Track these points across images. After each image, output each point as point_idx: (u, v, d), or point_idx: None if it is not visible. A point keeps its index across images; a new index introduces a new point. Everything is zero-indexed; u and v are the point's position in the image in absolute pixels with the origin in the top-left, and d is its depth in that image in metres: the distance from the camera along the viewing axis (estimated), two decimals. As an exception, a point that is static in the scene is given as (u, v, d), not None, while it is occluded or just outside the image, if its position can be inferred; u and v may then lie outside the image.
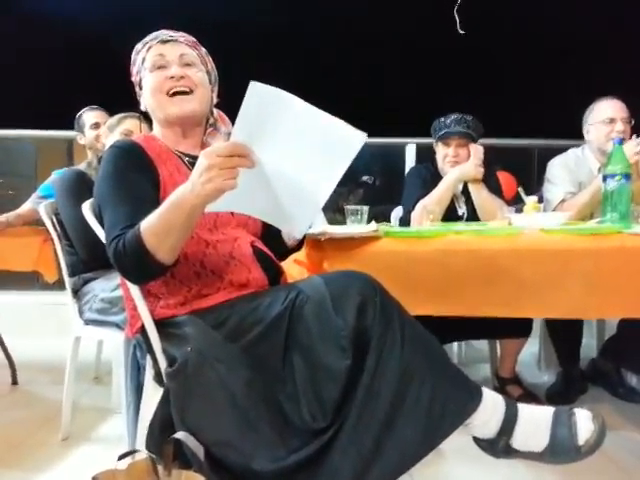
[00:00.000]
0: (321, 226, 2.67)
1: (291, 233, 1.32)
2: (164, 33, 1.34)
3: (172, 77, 1.28)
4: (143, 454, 0.99)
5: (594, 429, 1.07)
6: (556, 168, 2.32)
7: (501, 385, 2.23)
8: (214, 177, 0.96)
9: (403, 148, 3.63)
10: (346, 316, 1.06)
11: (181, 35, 1.35)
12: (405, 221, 2.32)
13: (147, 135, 1.37)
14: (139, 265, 1.09)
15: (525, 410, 1.11)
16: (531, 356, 2.71)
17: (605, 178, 1.79)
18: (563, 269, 1.50)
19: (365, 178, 3.75)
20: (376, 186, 4.47)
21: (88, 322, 1.92)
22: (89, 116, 2.51)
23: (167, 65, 1.30)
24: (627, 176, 1.76)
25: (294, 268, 1.64)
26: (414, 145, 3.58)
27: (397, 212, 2.63)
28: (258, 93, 0.93)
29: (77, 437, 1.96)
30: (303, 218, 1.15)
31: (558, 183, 2.27)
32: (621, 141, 1.85)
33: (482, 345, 2.74)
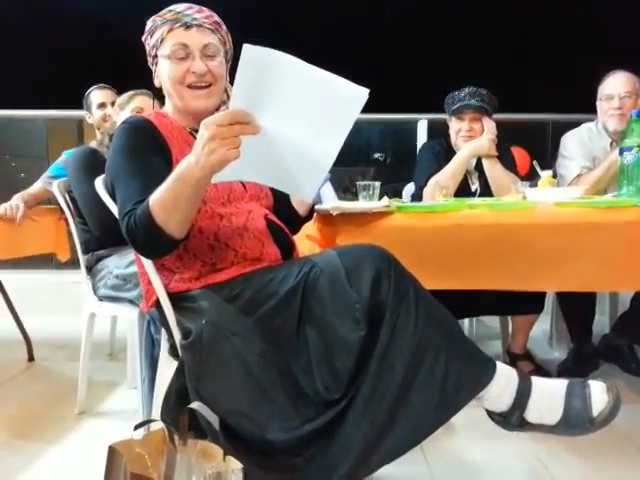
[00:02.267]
0: (333, 202, 2.66)
1: (301, 198, 1.29)
2: (187, 14, 1.26)
3: (194, 72, 1.25)
4: (159, 424, 1.01)
5: (608, 400, 1.06)
6: (570, 143, 2.29)
7: (512, 361, 2.23)
8: (216, 148, 0.95)
9: (415, 124, 3.59)
10: (360, 289, 1.05)
11: (205, 16, 1.28)
12: (417, 197, 2.30)
13: (158, 112, 1.36)
14: (150, 240, 1.09)
15: (538, 383, 1.11)
16: (542, 333, 2.71)
17: (622, 151, 1.75)
18: (577, 243, 1.49)
19: (377, 155, 3.72)
20: (388, 163, 4.43)
21: (102, 299, 1.94)
22: (96, 95, 2.49)
23: (189, 56, 1.25)
24: (645, 149, 1.73)
25: (305, 244, 1.64)
26: (426, 121, 3.53)
27: (409, 189, 2.62)
28: (253, 56, 0.90)
29: (93, 411, 2.00)
30: (312, 181, 1.12)
31: (573, 158, 2.24)
32: (638, 113, 1.81)
33: (493, 322, 2.74)
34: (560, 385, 1.11)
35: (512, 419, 1.10)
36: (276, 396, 1.07)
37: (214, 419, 1.00)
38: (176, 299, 1.21)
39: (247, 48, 0.89)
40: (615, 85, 2.20)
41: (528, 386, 1.10)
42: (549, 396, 1.10)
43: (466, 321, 2.73)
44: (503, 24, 3.39)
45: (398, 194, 2.66)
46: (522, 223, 1.50)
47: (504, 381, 1.09)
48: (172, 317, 1.20)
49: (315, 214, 1.62)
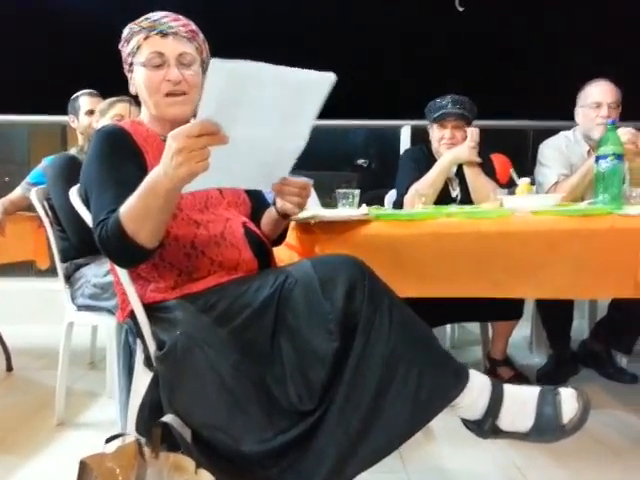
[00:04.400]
0: (312, 210, 2.66)
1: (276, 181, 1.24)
2: (164, 22, 1.26)
3: (169, 80, 1.25)
4: (131, 437, 1.00)
5: (578, 407, 1.08)
6: (548, 150, 2.31)
7: (492, 367, 2.24)
8: (185, 160, 0.94)
9: (398, 130, 3.61)
10: (334, 299, 1.06)
11: (181, 24, 1.28)
12: (398, 204, 2.31)
13: (134, 120, 1.36)
14: (122, 250, 1.08)
15: (511, 390, 1.12)
16: (522, 338, 2.73)
17: (597, 159, 1.78)
18: (553, 250, 1.51)
19: (360, 161, 3.74)
20: (372, 169, 4.44)
21: (81, 308, 1.93)
22: (85, 101, 2.47)
23: (164, 64, 1.25)
24: (619, 157, 1.75)
25: (284, 252, 1.64)
26: (409, 127, 3.55)
27: (391, 195, 2.63)
28: (220, 70, 0.90)
29: (72, 422, 1.97)
30: (285, 166, 1.15)
31: (550, 165, 2.27)
32: (614, 122, 1.84)
33: (475, 327, 2.76)
34: (532, 392, 1.12)
35: (485, 427, 1.11)
36: (250, 408, 1.07)
37: (186, 432, 1.00)
38: (151, 309, 1.21)
39: (214, 62, 0.90)
40: (603, 93, 2.21)
41: (500, 394, 1.11)
42: (521, 404, 1.11)
43: (447, 326, 2.75)
44: (485, 32, 3.44)
45: (382, 199, 2.68)
46: (498, 231, 1.51)
47: (477, 389, 1.10)
48: (147, 328, 1.19)
49: (293, 222, 1.62)
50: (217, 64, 0.89)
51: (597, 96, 2.21)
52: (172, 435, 1.06)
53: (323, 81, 1.00)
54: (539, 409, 1.09)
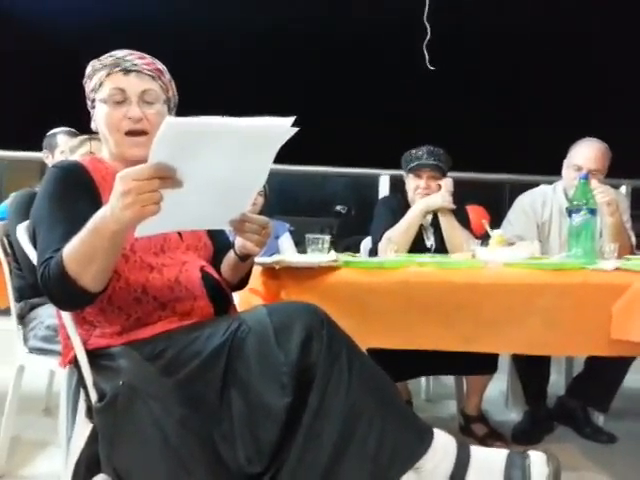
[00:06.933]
0: (290, 253, 2.60)
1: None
2: (127, 59, 1.23)
3: (130, 118, 1.21)
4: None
5: (549, 473, 1.01)
6: (518, 208, 2.31)
7: (466, 423, 2.16)
8: (131, 204, 0.89)
9: (377, 179, 3.62)
10: (289, 350, 0.99)
11: (146, 63, 1.25)
12: (373, 252, 2.28)
13: (94, 157, 1.31)
14: (63, 292, 1.01)
15: (478, 453, 1.06)
16: (499, 393, 2.65)
17: (570, 213, 1.77)
18: (524, 304, 1.47)
19: (339, 208, 3.75)
20: (351, 216, 4.45)
21: (32, 350, 1.82)
22: (63, 141, 2.41)
23: (126, 101, 1.21)
24: (592, 211, 1.74)
25: (249, 298, 1.57)
26: (387, 176, 3.57)
27: (367, 243, 2.60)
28: (174, 128, 0.88)
29: (13, 474, 1.82)
30: (244, 202, 1.12)
31: (512, 223, 2.27)
32: (587, 176, 1.84)
33: (451, 380, 2.68)
34: (500, 456, 1.06)
35: (450, 493, 1.04)
36: (195, 468, 0.99)
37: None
38: (95, 356, 1.13)
39: (167, 120, 0.87)
40: (587, 159, 2.14)
41: (467, 458, 1.04)
42: (489, 468, 1.04)
43: (422, 379, 2.66)
44: (467, 83, 3.53)
45: (359, 246, 2.64)
46: (469, 282, 1.47)
47: (441, 452, 1.03)
48: (89, 376, 1.11)
49: (260, 267, 1.57)
50: (170, 122, 0.87)
51: (580, 159, 2.16)
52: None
53: (281, 126, 0.98)
54: (507, 474, 1.02)
